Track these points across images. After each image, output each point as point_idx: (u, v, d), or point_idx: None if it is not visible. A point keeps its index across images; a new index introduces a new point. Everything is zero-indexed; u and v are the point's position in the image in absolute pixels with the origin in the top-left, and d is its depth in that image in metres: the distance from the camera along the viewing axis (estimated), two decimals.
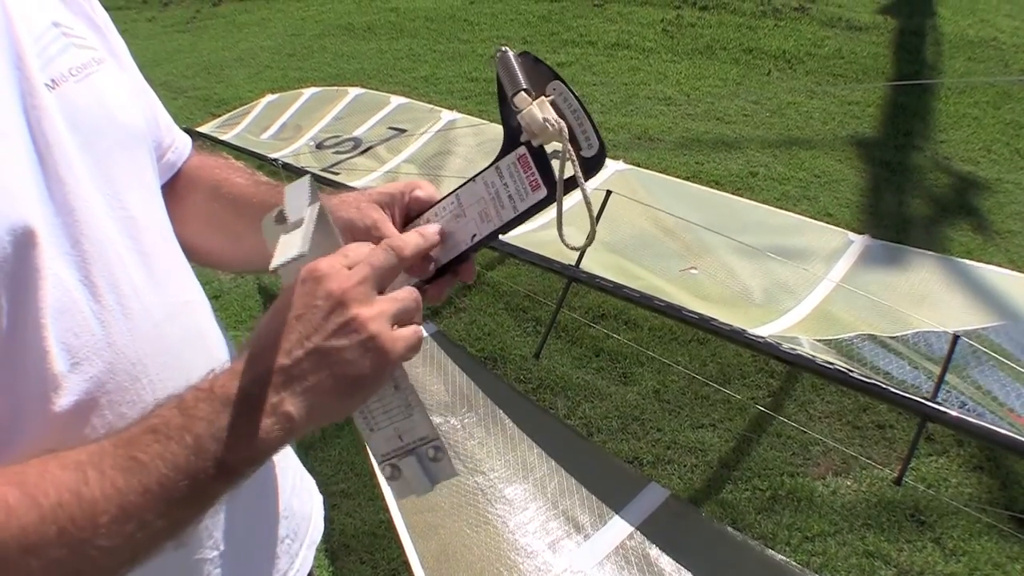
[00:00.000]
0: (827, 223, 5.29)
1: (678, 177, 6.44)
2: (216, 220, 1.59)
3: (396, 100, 7.54)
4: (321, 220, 1.15)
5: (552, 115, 1.17)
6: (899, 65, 10.50)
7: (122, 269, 1.26)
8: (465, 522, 3.65)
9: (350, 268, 1.13)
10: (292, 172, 6.09)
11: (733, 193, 6.33)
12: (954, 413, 3.19)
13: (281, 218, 1.16)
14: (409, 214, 1.32)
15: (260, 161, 6.28)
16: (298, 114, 7.80)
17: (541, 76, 1.20)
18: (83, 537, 0.99)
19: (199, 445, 1.03)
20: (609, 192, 4.32)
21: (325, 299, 1.10)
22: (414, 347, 1.13)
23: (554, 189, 1.20)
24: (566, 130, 1.17)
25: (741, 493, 4.50)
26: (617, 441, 4.86)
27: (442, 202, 1.25)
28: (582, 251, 1.03)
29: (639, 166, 5.87)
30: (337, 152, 6.74)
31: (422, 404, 1.17)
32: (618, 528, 3.59)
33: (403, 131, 6.83)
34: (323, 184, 5.90)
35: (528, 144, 1.20)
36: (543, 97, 1.19)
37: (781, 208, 5.75)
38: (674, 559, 3.42)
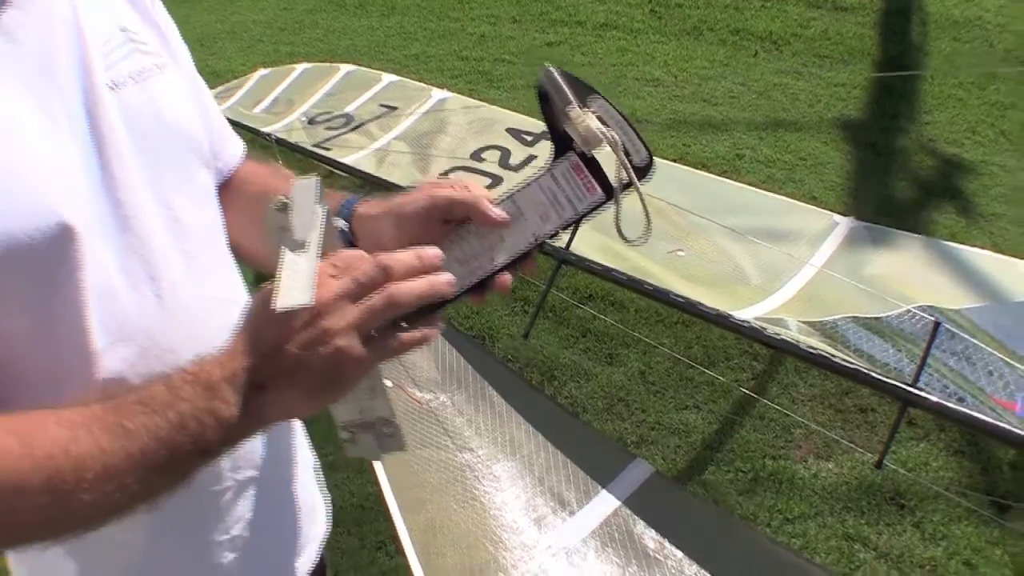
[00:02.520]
0: (813, 206, 5.34)
1: (666, 159, 6.48)
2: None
3: (387, 78, 7.59)
4: (327, 230, 1.21)
5: (601, 126, 1.24)
6: (885, 46, 10.55)
7: (164, 263, 1.35)
8: (453, 498, 3.70)
9: (335, 277, 1.18)
10: (284, 147, 6.14)
11: (720, 175, 6.39)
12: (934, 399, 3.23)
13: (283, 209, 1.21)
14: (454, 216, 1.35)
15: (252, 135, 6.31)
16: (290, 89, 7.85)
17: (582, 90, 1.27)
18: (67, 489, 1.08)
19: (180, 422, 1.12)
20: None
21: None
22: (382, 357, 1.19)
23: (608, 191, 1.27)
24: (619, 140, 1.24)
25: (724, 474, 4.55)
26: (602, 421, 4.91)
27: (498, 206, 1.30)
28: (638, 245, 1.11)
29: None
30: (329, 128, 6.79)
31: (385, 388, 1.24)
32: (603, 504, 3.64)
33: (394, 109, 6.88)
34: (313, 159, 5.97)
35: (580, 152, 1.26)
36: (587, 110, 1.25)
37: (767, 191, 5.78)
38: (658, 535, 3.47)
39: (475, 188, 1.30)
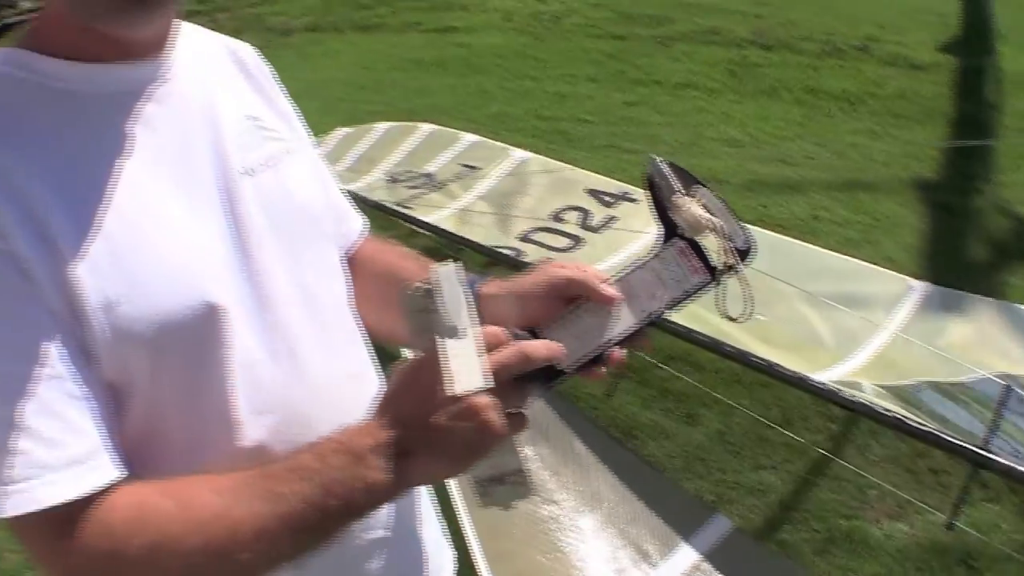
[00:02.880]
0: (888, 268, 5.39)
1: (744, 221, 6.54)
2: (391, 300, 1.75)
3: (468, 137, 7.59)
4: (472, 310, 1.33)
5: (705, 213, 1.38)
6: (960, 105, 10.56)
7: (300, 339, 1.47)
8: (538, 550, 3.77)
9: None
10: (364, 204, 6.21)
11: (797, 237, 6.38)
12: (1004, 460, 3.27)
13: (429, 298, 1.31)
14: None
15: None
16: (371, 148, 7.86)
17: (687, 180, 1.41)
18: (223, 550, 1.21)
19: (329, 489, 1.23)
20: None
21: None
22: (519, 431, 1.31)
23: (711, 273, 1.39)
24: (722, 226, 1.38)
25: (799, 533, 4.59)
26: (681, 480, 4.95)
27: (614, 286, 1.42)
28: (740, 322, 1.19)
29: None
30: (410, 187, 6.82)
31: (514, 443, 1.36)
32: (684, 557, 3.70)
33: (475, 168, 6.89)
34: (396, 217, 6.05)
35: (685, 237, 1.40)
36: (692, 198, 1.39)
37: (843, 252, 5.82)
38: None
39: (590, 269, 1.44)
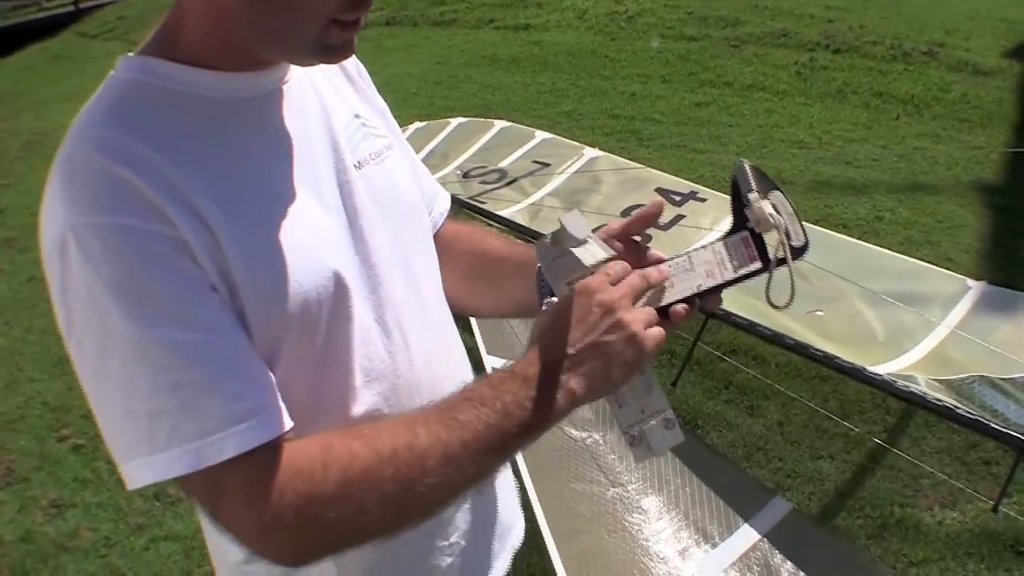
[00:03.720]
0: (947, 268, 5.46)
1: (807, 221, 6.63)
2: (479, 274, 1.98)
3: (540, 135, 7.63)
4: (596, 239, 1.56)
5: (774, 213, 1.59)
6: (1023, 109, 10.64)
7: (406, 313, 1.66)
8: (604, 528, 3.93)
9: (613, 284, 1.50)
10: None
11: (859, 237, 6.54)
12: None
13: (556, 240, 1.53)
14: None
15: None
16: (445, 142, 7.91)
17: (764, 182, 1.63)
18: (413, 476, 1.35)
19: (506, 411, 1.40)
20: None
21: (599, 307, 1.46)
22: (660, 343, 1.49)
23: (767, 263, 1.61)
24: (784, 225, 1.59)
25: (853, 520, 4.74)
26: (742, 468, 5.10)
27: (676, 259, 1.63)
28: (781, 309, 1.35)
29: None
30: (483, 182, 6.87)
31: (659, 383, 1.57)
32: (744, 537, 3.86)
33: (547, 165, 6.94)
34: (469, 211, 6.14)
35: (751, 229, 1.62)
36: (766, 199, 1.60)
37: (904, 253, 5.90)
38: (794, 567, 3.67)
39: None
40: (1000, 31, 13.07)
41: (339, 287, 1.50)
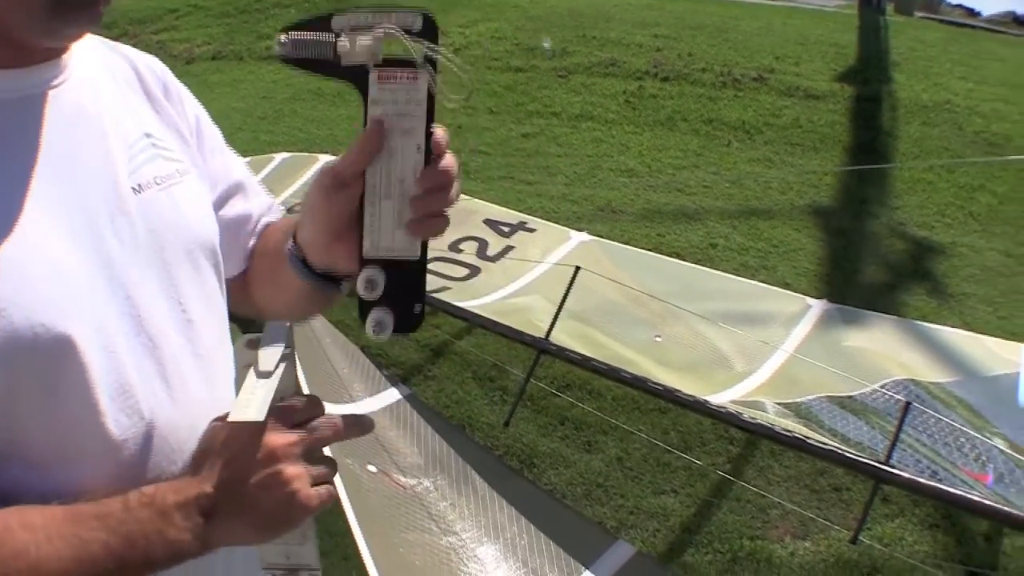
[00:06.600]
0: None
1: (640, 248, 6.57)
2: (270, 275, 1.71)
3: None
4: (288, 366, 1.32)
5: (365, 34, 1.23)
6: (856, 132, 10.74)
7: (173, 364, 1.42)
8: None
9: (295, 426, 1.34)
10: None
11: (694, 264, 6.48)
12: (906, 475, 3.28)
13: (253, 346, 1.32)
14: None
15: None
16: (269, 178, 7.77)
17: (324, 25, 1.25)
18: None
19: (131, 540, 1.23)
20: (578, 268, 4.44)
21: (263, 450, 1.30)
22: (326, 503, 1.33)
23: (422, 62, 1.23)
24: (388, 28, 1.23)
25: (703, 556, 4.60)
26: (582, 507, 4.95)
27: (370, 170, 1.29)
28: (459, 105, 1.08)
29: (602, 238, 6.00)
30: None
31: (315, 537, 1.33)
32: None
33: None
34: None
35: (374, 66, 1.24)
36: (343, 35, 1.24)
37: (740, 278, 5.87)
38: None
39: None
40: (830, 55, 13.23)
41: (65, 338, 1.26)
